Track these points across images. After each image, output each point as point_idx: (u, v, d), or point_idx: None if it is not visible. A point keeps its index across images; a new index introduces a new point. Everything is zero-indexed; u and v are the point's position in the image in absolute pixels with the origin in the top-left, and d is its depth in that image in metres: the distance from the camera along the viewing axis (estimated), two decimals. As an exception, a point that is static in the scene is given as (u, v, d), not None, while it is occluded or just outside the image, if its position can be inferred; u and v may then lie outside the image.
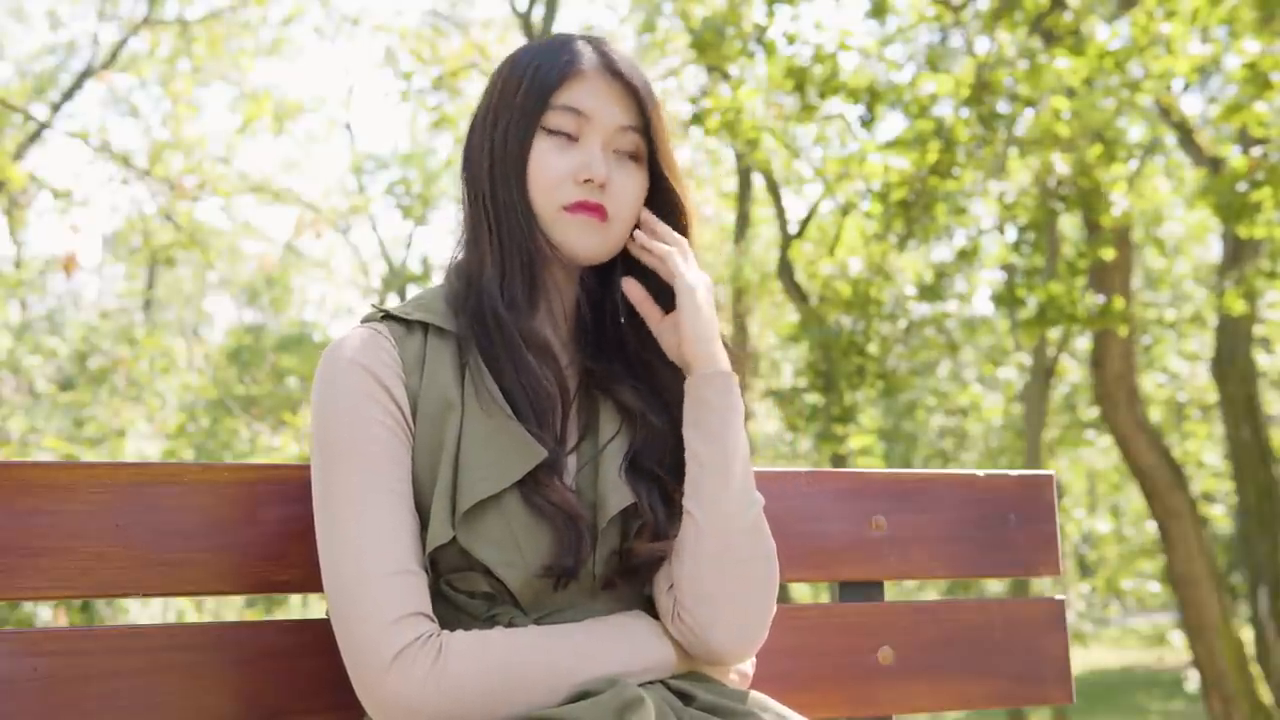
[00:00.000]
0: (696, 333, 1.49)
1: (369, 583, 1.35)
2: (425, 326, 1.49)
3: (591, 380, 1.52)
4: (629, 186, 1.51)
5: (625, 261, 1.55)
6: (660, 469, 1.49)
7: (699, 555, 1.43)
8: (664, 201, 1.55)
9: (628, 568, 1.47)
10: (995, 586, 14.45)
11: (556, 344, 1.52)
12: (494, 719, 1.34)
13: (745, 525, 1.45)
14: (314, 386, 1.46)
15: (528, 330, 1.46)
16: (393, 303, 1.56)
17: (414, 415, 1.44)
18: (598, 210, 1.48)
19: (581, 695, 1.36)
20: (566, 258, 1.50)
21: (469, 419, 1.43)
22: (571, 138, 1.48)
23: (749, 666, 1.57)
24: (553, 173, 1.47)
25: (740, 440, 1.48)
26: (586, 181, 1.47)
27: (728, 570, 1.43)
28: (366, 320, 1.51)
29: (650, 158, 1.53)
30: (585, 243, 1.49)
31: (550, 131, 1.48)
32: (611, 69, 1.49)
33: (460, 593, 1.43)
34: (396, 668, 1.32)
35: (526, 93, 1.48)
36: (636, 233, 1.52)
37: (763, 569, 1.46)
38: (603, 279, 1.56)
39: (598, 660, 1.39)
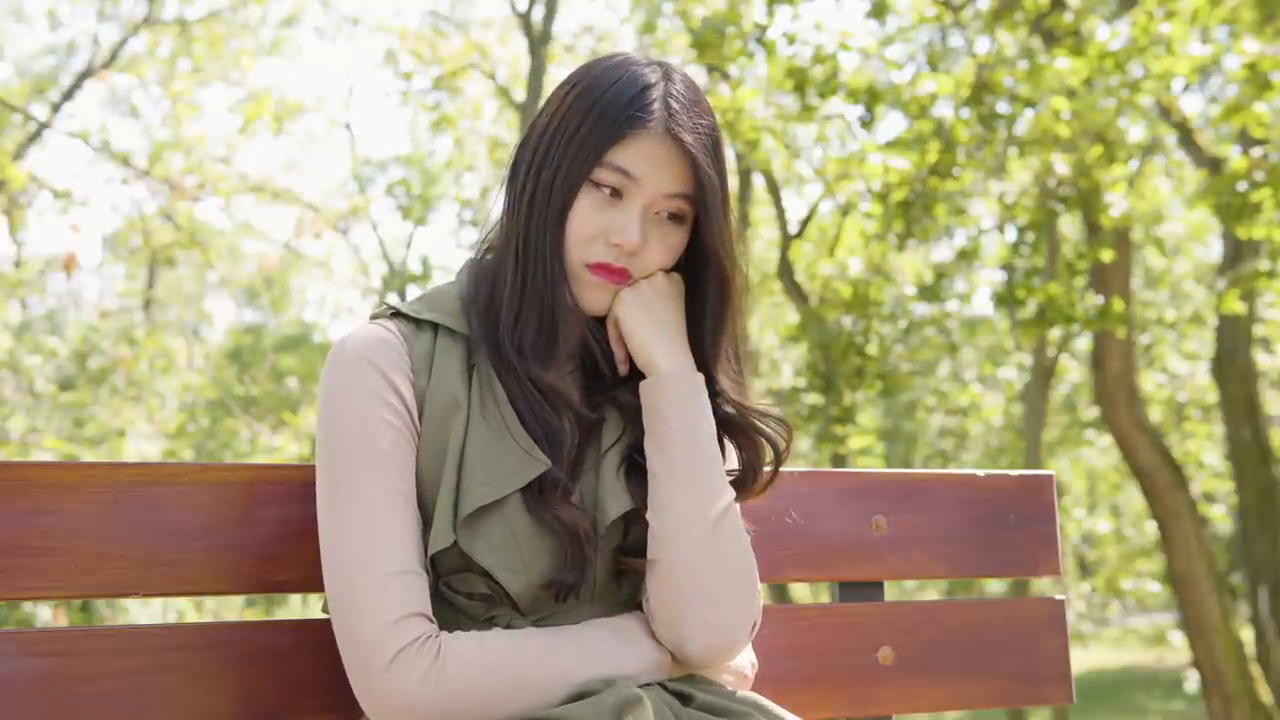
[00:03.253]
0: (633, 346, 1.48)
1: (370, 582, 1.35)
2: (435, 326, 1.48)
3: (597, 398, 1.50)
4: (663, 249, 1.48)
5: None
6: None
7: (662, 567, 1.42)
8: (712, 276, 1.49)
9: (624, 572, 1.47)
10: (995, 586, 14.46)
11: (568, 384, 1.50)
12: (492, 719, 1.34)
13: (703, 535, 1.42)
14: (321, 382, 1.45)
15: (538, 378, 1.44)
16: (393, 303, 1.54)
17: (420, 415, 1.43)
18: (619, 274, 1.46)
19: (580, 696, 1.36)
20: (581, 310, 1.49)
21: (474, 422, 1.42)
22: (616, 194, 1.44)
23: (750, 669, 1.57)
24: (588, 228, 1.44)
25: (691, 443, 1.44)
26: (616, 245, 1.45)
27: (690, 583, 1.41)
28: (375, 317, 1.50)
29: (698, 222, 1.48)
30: (596, 301, 1.48)
31: (596, 184, 1.44)
32: (673, 132, 1.43)
33: (459, 594, 1.43)
34: (395, 668, 1.32)
35: (585, 139, 1.43)
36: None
37: (731, 578, 1.43)
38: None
39: (596, 662, 1.39)
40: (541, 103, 1.56)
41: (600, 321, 1.52)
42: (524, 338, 1.45)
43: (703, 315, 1.51)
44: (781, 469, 1.56)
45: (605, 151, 1.42)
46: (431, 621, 1.37)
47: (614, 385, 1.52)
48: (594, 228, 1.44)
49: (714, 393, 1.51)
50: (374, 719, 1.36)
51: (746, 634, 1.46)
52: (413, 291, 20.00)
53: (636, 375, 1.52)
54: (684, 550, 1.41)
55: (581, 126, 1.43)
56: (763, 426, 1.54)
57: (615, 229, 1.44)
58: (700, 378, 1.47)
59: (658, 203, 1.45)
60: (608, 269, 1.46)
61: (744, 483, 1.53)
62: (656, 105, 1.43)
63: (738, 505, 1.49)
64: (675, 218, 1.47)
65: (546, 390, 1.44)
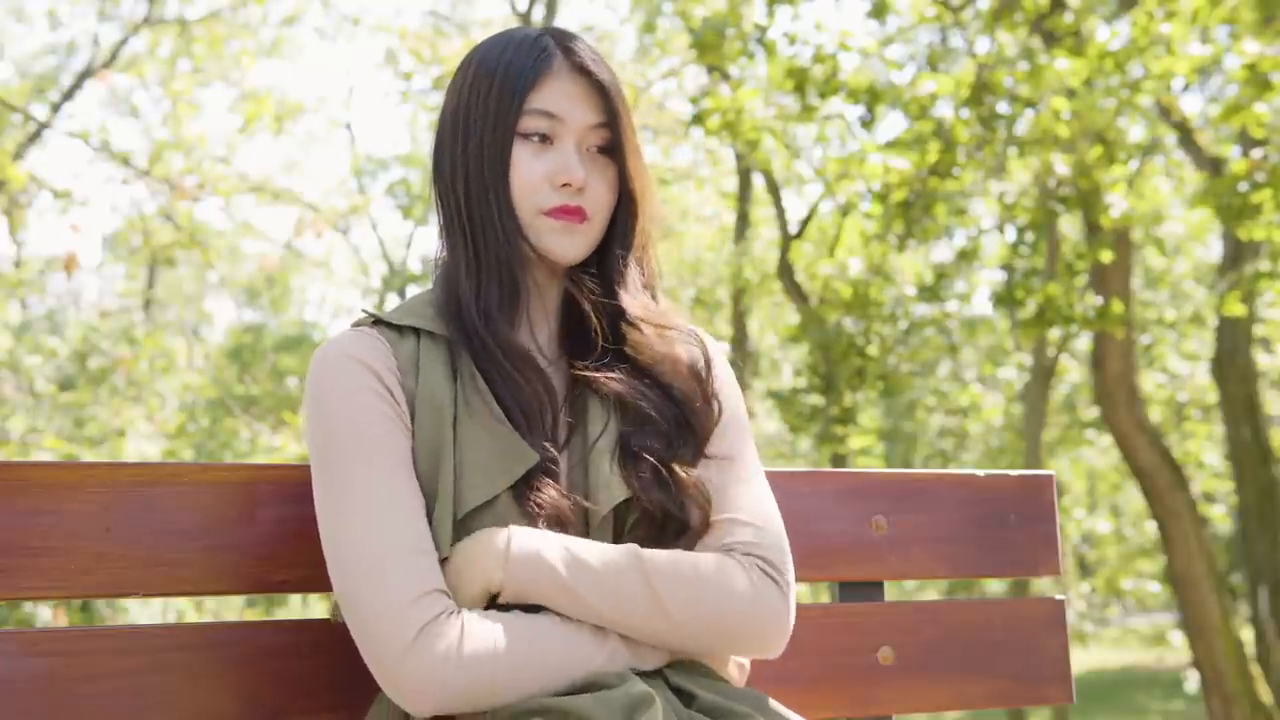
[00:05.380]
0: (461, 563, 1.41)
1: (384, 563, 1.34)
2: (416, 332, 1.49)
3: (578, 376, 1.51)
4: (604, 183, 1.51)
5: (599, 253, 1.55)
6: (652, 455, 1.47)
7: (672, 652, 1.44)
8: (624, 200, 1.54)
9: None
10: (995, 586, 14.46)
11: (539, 347, 1.52)
12: (508, 699, 1.33)
13: (670, 630, 1.40)
14: (307, 387, 1.45)
15: (506, 342, 1.46)
16: (392, 303, 1.55)
17: (412, 417, 1.44)
18: (577, 213, 1.49)
19: (591, 684, 1.35)
20: (548, 261, 1.50)
21: (461, 424, 1.43)
22: (546, 140, 1.49)
23: (745, 659, 1.58)
24: (531, 177, 1.47)
25: (594, 578, 1.37)
26: (564, 185, 1.47)
27: (695, 651, 1.44)
28: (357, 325, 1.51)
29: (616, 149, 1.53)
30: (566, 246, 1.49)
31: (524, 136, 1.48)
32: (580, 67, 1.49)
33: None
34: (418, 646, 1.31)
35: (499, 98, 1.47)
36: None
37: (720, 632, 1.42)
38: (587, 270, 1.55)
39: (613, 644, 1.39)
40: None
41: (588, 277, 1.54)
42: (488, 301, 1.47)
43: (611, 238, 1.55)
44: (784, 466, 1.56)
45: (524, 99, 1.47)
46: (450, 598, 1.36)
47: (601, 354, 1.51)
48: (537, 176, 1.47)
49: (620, 313, 1.52)
50: (401, 702, 1.34)
51: (782, 643, 1.47)
52: (413, 291, 19.98)
53: (617, 358, 1.52)
54: (673, 646, 1.42)
55: (491, 90, 1.48)
56: (679, 353, 1.53)
57: (558, 170, 1.47)
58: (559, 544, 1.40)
59: (585, 137, 1.50)
60: (565, 210, 1.48)
61: (697, 430, 1.51)
62: (555, 49, 1.50)
63: (712, 564, 1.45)
64: (603, 151, 1.52)
65: (515, 357, 1.45)
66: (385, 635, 1.33)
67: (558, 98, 1.48)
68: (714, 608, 1.41)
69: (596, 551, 1.39)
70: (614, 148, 1.52)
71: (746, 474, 1.53)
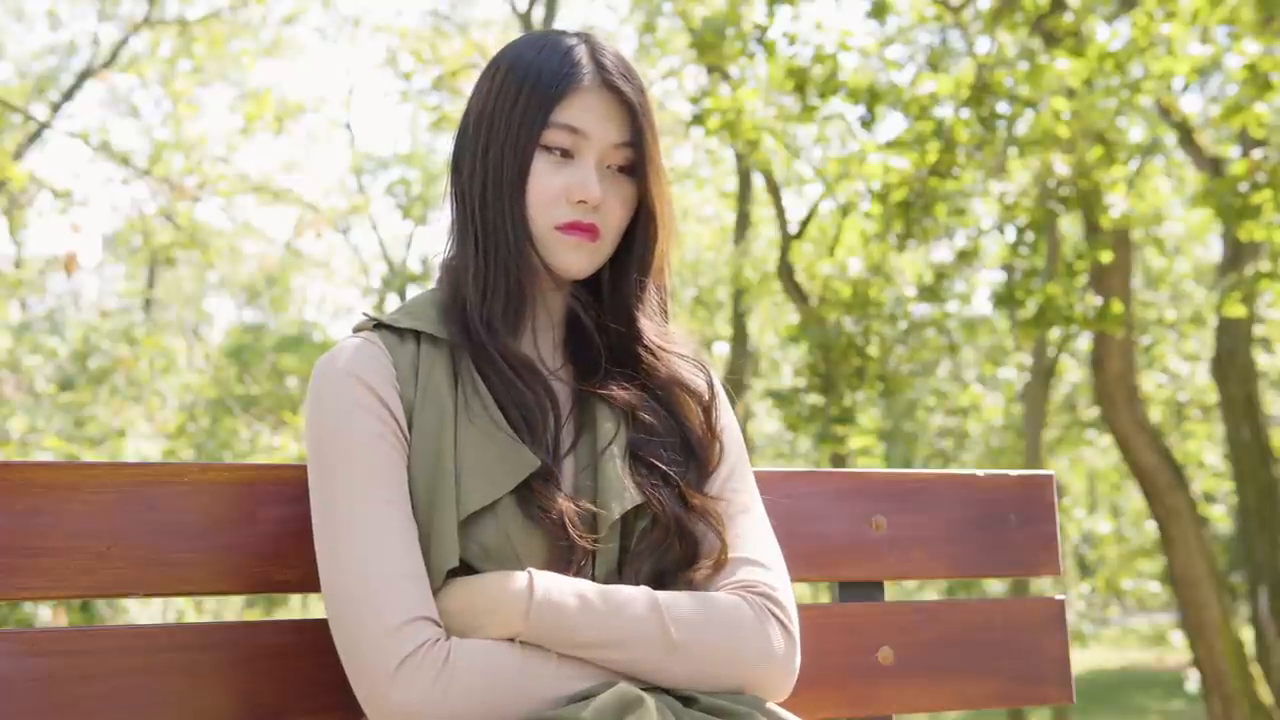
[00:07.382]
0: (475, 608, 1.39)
1: (372, 589, 1.34)
2: (417, 335, 1.49)
3: (585, 384, 1.51)
4: (619, 202, 1.50)
5: (616, 271, 1.55)
6: (662, 462, 1.47)
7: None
8: (643, 222, 1.53)
9: (627, 572, 1.45)
10: (995, 586, 14.46)
11: (543, 356, 1.52)
12: None
13: (678, 662, 1.38)
14: (307, 399, 1.46)
15: (509, 351, 1.46)
16: (392, 304, 1.55)
17: (410, 426, 1.43)
18: (590, 231, 1.48)
19: (584, 695, 1.35)
20: (556, 274, 1.50)
21: (461, 428, 1.43)
22: (567, 154, 1.47)
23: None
24: (548, 192, 1.46)
25: (611, 624, 1.36)
26: (580, 202, 1.46)
27: (711, 684, 1.41)
28: (358, 329, 1.51)
29: (634, 170, 1.51)
30: (575, 262, 1.49)
31: (546, 148, 1.47)
32: (609, 83, 1.48)
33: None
34: (402, 674, 1.31)
35: (525, 107, 1.46)
36: None
37: (733, 665, 1.41)
38: (589, 283, 1.56)
39: (609, 673, 1.38)
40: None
41: (590, 291, 1.54)
42: (491, 312, 1.47)
43: (629, 259, 1.54)
44: (784, 466, 1.56)
45: (550, 112, 1.46)
46: (438, 625, 1.36)
47: (606, 370, 1.51)
48: (555, 190, 1.46)
49: (636, 337, 1.53)
50: None
51: (791, 673, 1.47)
52: (412, 291, 19.98)
53: (626, 363, 1.52)
54: (680, 686, 1.39)
55: (520, 97, 1.47)
56: (688, 382, 1.54)
57: (575, 186, 1.46)
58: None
59: (607, 155, 1.49)
60: (578, 226, 1.47)
61: (701, 459, 1.51)
62: (587, 62, 1.48)
63: (687, 594, 1.43)
64: (624, 170, 1.51)
65: (517, 365, 1.45)
66: (369, 662, 1.33)
67: (584, 113, 1.46)
68: (730, 656, 1.41)
69: (616, 601, 1.37)
70: (636, 167, 1.50)
71: (754, 515, 1.54)
